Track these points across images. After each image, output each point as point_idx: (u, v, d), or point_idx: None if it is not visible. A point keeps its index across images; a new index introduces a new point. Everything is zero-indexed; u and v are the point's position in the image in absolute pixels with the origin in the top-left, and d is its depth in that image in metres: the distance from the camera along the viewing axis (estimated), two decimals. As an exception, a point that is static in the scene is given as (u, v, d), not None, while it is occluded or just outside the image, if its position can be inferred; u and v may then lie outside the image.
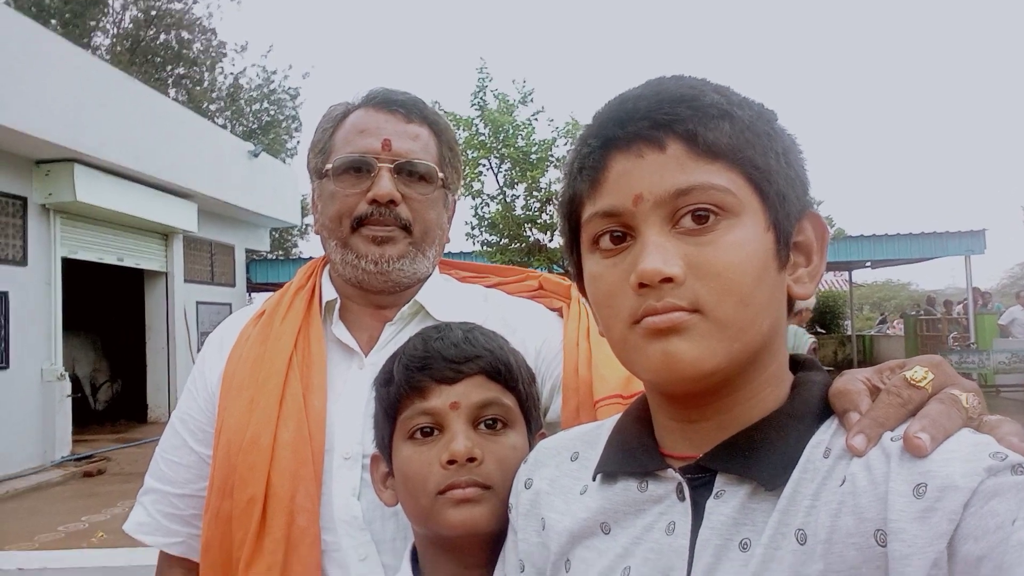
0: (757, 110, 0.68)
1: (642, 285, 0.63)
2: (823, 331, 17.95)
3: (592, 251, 0.70)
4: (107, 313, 13.14)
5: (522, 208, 12.00)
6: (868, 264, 18.95)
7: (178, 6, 21.50)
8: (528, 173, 11.51)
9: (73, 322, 10.66)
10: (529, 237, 12.01)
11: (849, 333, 20.58)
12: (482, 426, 0.91)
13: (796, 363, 0.74)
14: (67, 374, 9.51)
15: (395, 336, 1.19)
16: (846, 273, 20.74)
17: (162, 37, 21.70)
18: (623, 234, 0.67)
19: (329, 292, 1.24)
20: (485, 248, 12.43)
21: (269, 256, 19.75)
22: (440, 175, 1.20)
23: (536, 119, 11.91)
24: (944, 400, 0.61)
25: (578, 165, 0.70)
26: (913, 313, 17.89)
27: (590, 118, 0.72)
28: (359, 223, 1.16)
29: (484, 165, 12.13)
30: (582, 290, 0.75)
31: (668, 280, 0.62)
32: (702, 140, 0.64)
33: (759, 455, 0.65)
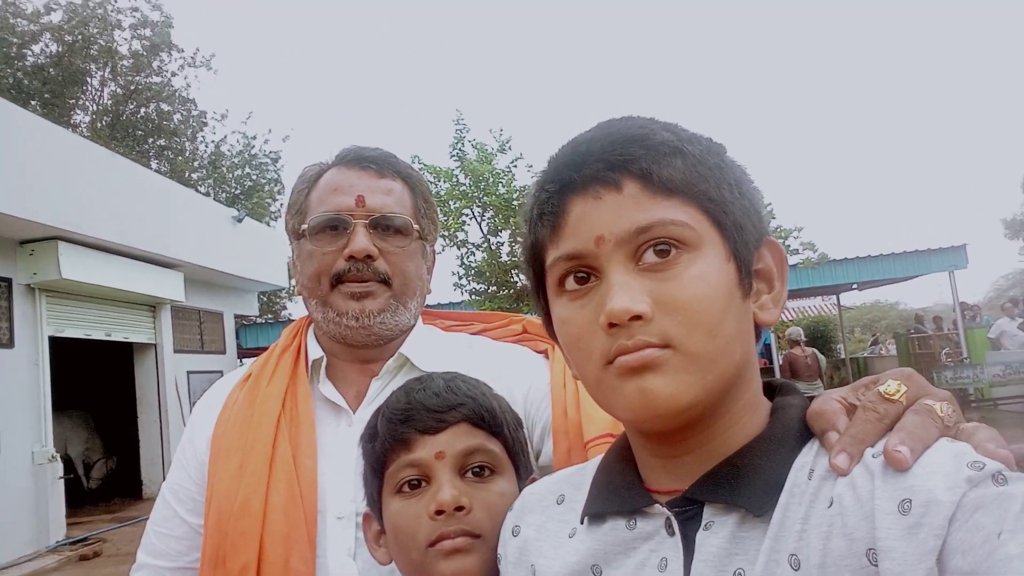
0: (706, 144, 0.70)
1: (612, 325, 0.64)
2: (816, 356, 17.89)
3: (559, 295, 0.71)
4: (97, 389, 12.94)
5: (507, 254, 12.05)
6: (855, 286, 19.04)
7: (157, 79, 21.77)
8: (511, 219, 11.59)
9: (63, 401, 10.48)
10: (516, 283, 12.03)
11: (843, 357, 20.57)
12: (469, 474, 0.90)
13: (772, 388, 0.74)
14: (58, 455, 9.31)
15: (382, 391, 1.19)
16: (834, 297, 20.84)
17: (142, 111, 21.90)
18: (587, 274, 0.68)
19: (315, 351, 1.24)
20: (474, 297, 12.44)
21: (258, 320, 19.64)
22: (416, 227, 1.21)
23: (515, 166, 12.07)
24: (919, 411, 0.62)
25: (538, 211, 0.71)
26: (904, 332, 17.92)
27: (545, 163, 0.73)
28: (338, 280, 1.16)
29: (467, 215, 12.21)
30: (552, 335, 0.75)
31: (637, 318, 0.63)
32: (657, 177, 0.65)
33: (744, 482, 0.65)
